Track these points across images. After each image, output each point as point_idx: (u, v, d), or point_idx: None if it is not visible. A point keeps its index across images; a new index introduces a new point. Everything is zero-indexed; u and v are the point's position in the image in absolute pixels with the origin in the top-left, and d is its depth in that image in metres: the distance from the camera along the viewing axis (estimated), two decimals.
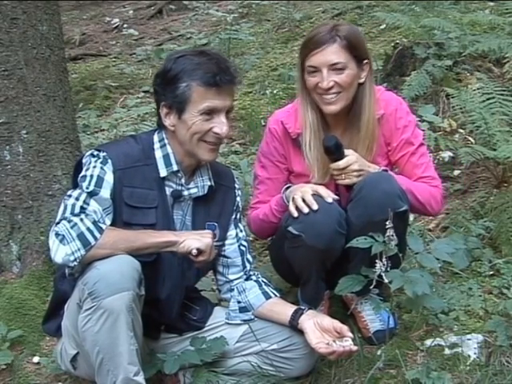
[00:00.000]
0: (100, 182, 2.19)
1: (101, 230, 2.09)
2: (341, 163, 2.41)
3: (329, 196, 2.37)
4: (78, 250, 2.05)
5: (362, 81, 2.50)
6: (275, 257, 2.73)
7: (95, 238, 2.07)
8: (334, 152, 2.41)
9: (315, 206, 2.34)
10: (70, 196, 2.18)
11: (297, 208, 2.37)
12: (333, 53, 2.43)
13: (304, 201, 2.36)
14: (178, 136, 2.25)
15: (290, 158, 2.62)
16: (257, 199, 2.66)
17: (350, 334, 2.24)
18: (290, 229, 2.40)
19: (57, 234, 2.07)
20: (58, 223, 2.11)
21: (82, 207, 2.14)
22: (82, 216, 2.11)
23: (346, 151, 2.44)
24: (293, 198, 2.39)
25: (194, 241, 2.16)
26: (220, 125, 2.21)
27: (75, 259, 2.05)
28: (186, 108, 2.20)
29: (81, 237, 2.06)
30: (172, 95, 2.21)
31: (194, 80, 2.18)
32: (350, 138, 2.53)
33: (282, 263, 2.61)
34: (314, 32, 2.51)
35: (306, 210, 2.34)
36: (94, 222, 2.10)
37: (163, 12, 8.44)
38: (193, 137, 2.22)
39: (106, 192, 2.18)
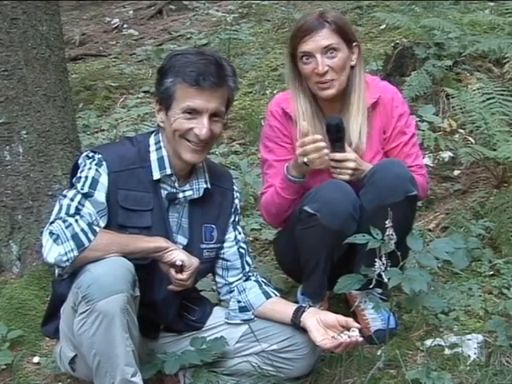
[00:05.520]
0: (95, 184, 2.19)
1: (95, 233, 2.09)
2: (338, 155, 2.47)
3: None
4: (72, 250, 2.05)
5: (353, 63, 2.55)
6: (281, 248, 2.74)
7: (89, 240, 2.07)
8: (333, 132, 2.47)
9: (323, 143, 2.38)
10: (64, 196, 2.18)
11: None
12: (324, 37, 2.48)
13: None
14: (166, 133, 2.26)
15: (293, 138, 2.61)
16: (267, 184, 2.64)
17: (357, 325, 2.24)
18: (306, 208, 2.42)
19: (51, 233, 2.07)
20: (53, 222, 2.11)
21: (77, 208, 2.14)
22: (77, 217, 2.11)
23: (347, 148, 2.49)
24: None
25: (182, 254, 2.18)
26: (200, 126, 2.18)
27: (67, 260, 2.05)
28: (171, 104, 2.21)
29: (75, 237, 2.06)
30: (160, 90, 2.24)
31: (178, 77, 2.18)
32: (344, 123, 2.54)
33: (288, 255, 2.62)
34: (301, 21, 2.58)
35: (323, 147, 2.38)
36: (89, 224, 2.11)
37: (163, 12, 8.43)
38: (174, 133, 2.22)
39: (100, 194, 2.18)
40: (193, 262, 2.19)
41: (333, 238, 2.41)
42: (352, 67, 2.55)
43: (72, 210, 2.13)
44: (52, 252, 2.05)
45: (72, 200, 2.15)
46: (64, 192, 2.21)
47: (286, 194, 2.53)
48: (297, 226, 2.49)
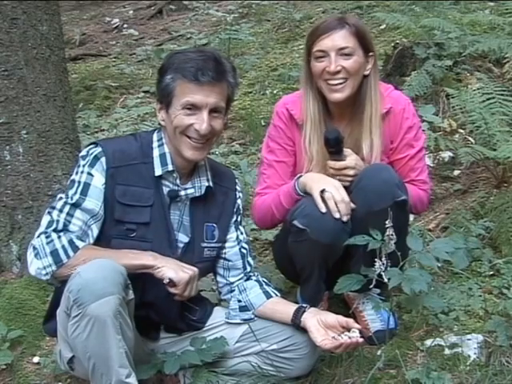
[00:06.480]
0: (86, 189, 2.19)
1: (76, 249, 2.11)
2: (338, 164, 2.43)
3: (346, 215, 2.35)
4: (50, 265, 2.11)
5: (367, 73, 2.52)
6: (278, 252, 2.74)
7: (68, 257, 2.10)
8: (332, 145, 2.43)
9: (345, 218, 2.34)
10: (53, 208, 2.19)
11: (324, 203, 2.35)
12: (341, 37, 2.46)
13: (336, 204, 2.34)
14: (168, 131, 2.26)
15: (296, 142, 2.61)
16: (264, 184, 2.61)
17: (357, 326, 2.23)
18: (295, 222, 2.40)
19: (33, 248, 2.13)
20: (38, 237, 2.14)
21: (64, 223, 2.16)
22: (61, 234, 2.13)
23: (347, 151, 2.46)
24: (323, 191, 2.35)
25: (170, 270, 2.11)
26: (200, 122, 2.18)
27: (47, 273, 2.12)
28: (171, 101, 2.21)
29: (54, 254, 2.10)
30: (160, 88, 2.24)
31: (177, 73, 2.18)
32: (352, 131, 2.54)
33: (285, 259, 2.61)
34: (321, 21, 2.55)
35: (337, 215, 2.33)
36: (71, 241, 2.12)
37: (163, 12, 8.44)
38: (175, 130, 2.22)
39: (91, 200, 2.18)
40: (182, 276, 2.11)
41: (324, 251, 2.40)
42: (366, 76, 2.52)
43: (60, 225, 2.15)
44: (32, 265, 2.13)
45: (61, 211, 2.17)
46: (53, 203, 2.22)
47: (285, 203, 2.51)
48: (289, 237, 2.48)
